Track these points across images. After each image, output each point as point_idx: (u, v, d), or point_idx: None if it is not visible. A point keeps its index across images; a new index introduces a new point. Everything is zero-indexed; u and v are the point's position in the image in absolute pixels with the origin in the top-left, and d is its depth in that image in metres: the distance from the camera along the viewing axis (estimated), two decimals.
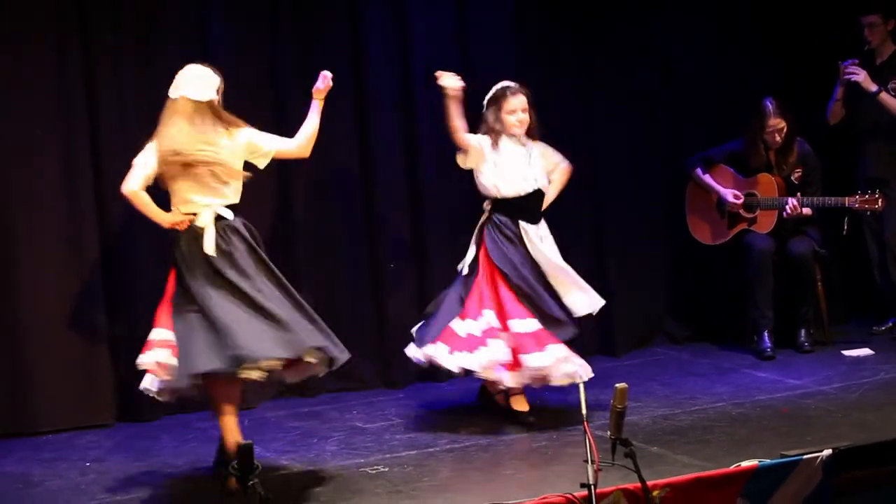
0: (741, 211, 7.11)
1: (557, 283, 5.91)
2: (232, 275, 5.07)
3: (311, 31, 6.72)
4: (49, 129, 6.22)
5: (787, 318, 7.15)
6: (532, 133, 5.99)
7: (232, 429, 5.15)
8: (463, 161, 6.00)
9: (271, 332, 5.01)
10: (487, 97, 6.01)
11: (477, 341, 5.75)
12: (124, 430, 6.24)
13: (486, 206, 6.00)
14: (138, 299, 6.18)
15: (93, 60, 6.27)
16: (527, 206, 5.93)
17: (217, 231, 5.11)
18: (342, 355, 5.22)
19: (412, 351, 5.96)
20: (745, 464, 4.90)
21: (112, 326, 6.28)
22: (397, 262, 6.89)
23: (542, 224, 6.01)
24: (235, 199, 5.22)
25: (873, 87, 7.10)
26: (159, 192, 5.22)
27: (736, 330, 7.37)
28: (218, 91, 5.24)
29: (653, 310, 7.57)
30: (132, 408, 6.27)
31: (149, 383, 5.24)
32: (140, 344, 5.28)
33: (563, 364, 5.74)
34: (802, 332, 7.12)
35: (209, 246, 5.07)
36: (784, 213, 6.98)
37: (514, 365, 5.77)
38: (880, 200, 6.91)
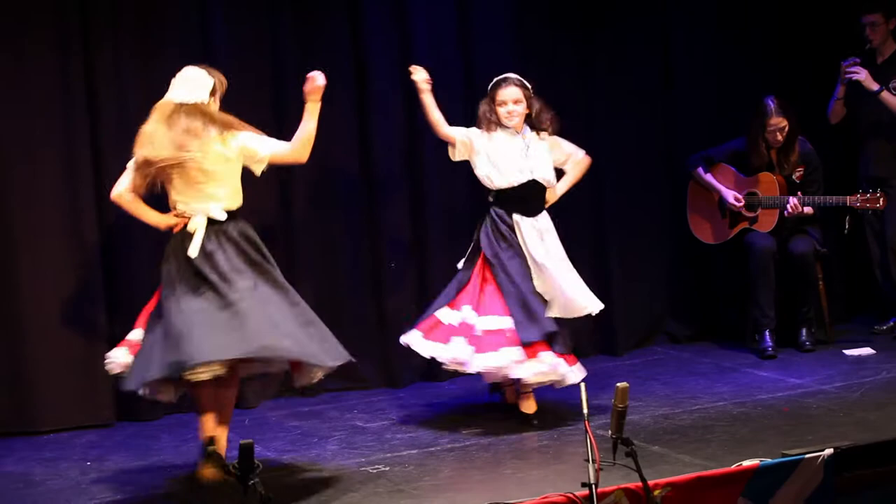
0: (742, 210, 7.11)
1: (551, 280, 5.85)
2: (210, 275, 4.99)
3: (311, 31, 6.72)
4: (49, 128, 6.22)
5: (789, 318, 7.15)
6: (541, 125, 5.96)
7: (208, 426, 5.13)
8: (453, 154, 6.02)
9: (232, 333, 4.90)
10: None
11: (452, 332, 5.78)
12: (125, 430, 6.25)
13: (490, 199, 6.00)
14: (138, 299, 6.13)
15: (93, 60, 6.27)
16: (521, 198, 5.91)
17: (207, 234, 5.06)
18: (330, 362, 5.10)
19: (403, 338, 5.98)
20: (747, 463, 4.89)
21: (112, 326, 6.27)
22: (397, 262, 6.89)
23: (543, 218, 5.96)
24: (232, 202, 5.16)
25: (874, 86, 7.11)
26: (160, 193, 5.22)
27: (737, 329, 7.37)
28: (213, 93, 5.19)
29: (654, 309, 7.57)
30: (132, 407, 6.27)
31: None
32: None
33: (522, 366, 5.69)
34: (804, 331, 7.12)
35: (193, 249, 5.03)
36: (785, 212, 6.98)
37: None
38: (881, 199, 6.90)
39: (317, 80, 5.24)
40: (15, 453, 5.91)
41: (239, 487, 4.21)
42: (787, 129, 7.02)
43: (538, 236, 5.91)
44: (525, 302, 5.78)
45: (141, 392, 5.18)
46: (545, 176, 5.97)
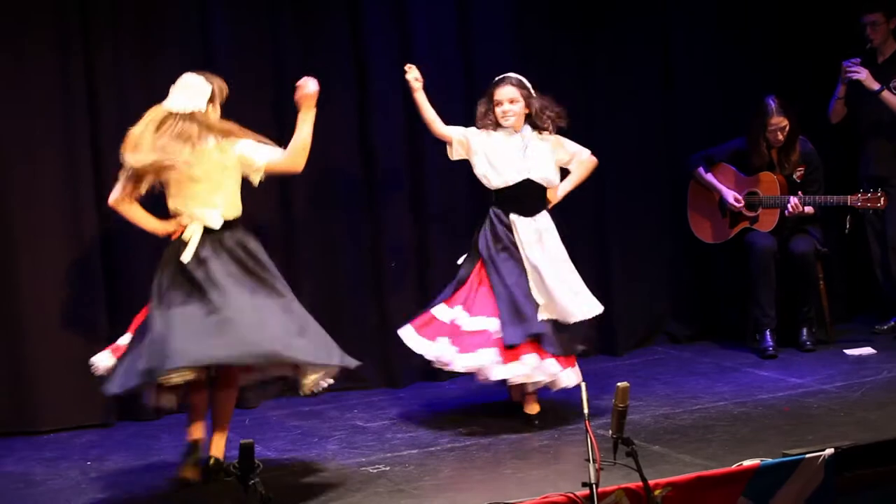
0: (743, 210, 7.11)
1: (546, 284, 5.81)
2: (202, 281, 4.97)
3: (311, 31, 6.72)
4: (49, 128, 6.22)
5: (789, 317, 7.15)
6: (542, 124, 5.93)
7: (196, 426, 5.15)
8: (451, 153, 6.02)
9: (217, 339, 4.86)
10: None
11: (441, 331, 5.79)
12: (125, 430, 6.24)
13: (492, 198, 6.00)
14: (138, 299, 6.11)
15: (93, 60, 6.27)
16: (518, 198, 5.90)
17: (203, 242, 5.03)
18: (322, 362, 5.07)
19: (400, 329, 5.98)
20: (747, 463, 4.88)
21: (112, 326, 6.26)
22: (397, 262, 6.89)
23: (542, 217, 5.94)
24: (230, 211, 5.13)
25: (875, 86, 7.11)
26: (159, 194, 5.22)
27: (738, 328, 7.37)
28: (212, 99, 5.14)
29: (654, 309, 7.57)
30: (133, 407, 6.26)
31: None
32: None
33: (502, 367, 5.67)
34: (804, 330, 7.11)
35: (186, 255, 5.01)
36: (786, 212, 6.98)
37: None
38: (882, 199, 6.90)
39: (308, 86, 5.15)
40: (15, 453, 5.91)
41: (239, 487, 4.20)
42: (787, 128, 7.02)
43: (536, 236, 5.89)
44: (514, 303, 5.76)
45: (144, 400, 5.24)
46: (544, 175, 5.94)
